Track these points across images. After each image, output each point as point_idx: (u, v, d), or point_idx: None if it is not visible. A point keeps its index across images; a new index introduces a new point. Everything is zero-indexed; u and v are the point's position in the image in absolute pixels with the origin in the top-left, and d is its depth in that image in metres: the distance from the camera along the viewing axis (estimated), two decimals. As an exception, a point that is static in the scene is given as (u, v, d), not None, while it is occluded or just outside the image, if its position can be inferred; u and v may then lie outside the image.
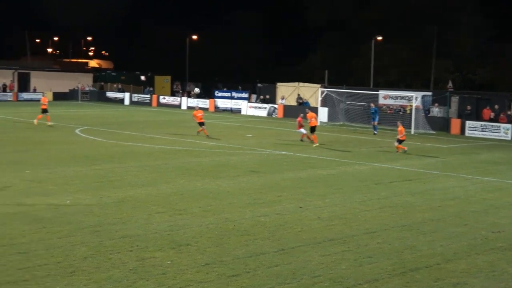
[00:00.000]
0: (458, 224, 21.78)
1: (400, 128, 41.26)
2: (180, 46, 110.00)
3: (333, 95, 65.32)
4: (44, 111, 51.45)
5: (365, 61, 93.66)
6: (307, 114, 45.09)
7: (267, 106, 73.31)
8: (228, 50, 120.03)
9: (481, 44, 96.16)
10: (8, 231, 18.61)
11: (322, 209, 23.36)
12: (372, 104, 57.12)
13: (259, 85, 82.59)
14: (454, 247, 18.88)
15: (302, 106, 70.68)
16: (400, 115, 61.14)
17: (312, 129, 44.09)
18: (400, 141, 41.03)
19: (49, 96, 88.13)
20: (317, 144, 42.69)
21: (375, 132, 54.33)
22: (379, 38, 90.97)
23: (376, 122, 54.97)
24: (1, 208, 21.51)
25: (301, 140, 45.00)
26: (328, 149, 42.12)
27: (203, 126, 46.34)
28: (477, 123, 57.76)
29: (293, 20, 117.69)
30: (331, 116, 65.10)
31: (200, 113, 47.23)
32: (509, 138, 54.80)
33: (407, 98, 64.28)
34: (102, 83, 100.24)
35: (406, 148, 40.95)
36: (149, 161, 33.37)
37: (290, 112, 69.99)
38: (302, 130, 45.27)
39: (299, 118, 46.00)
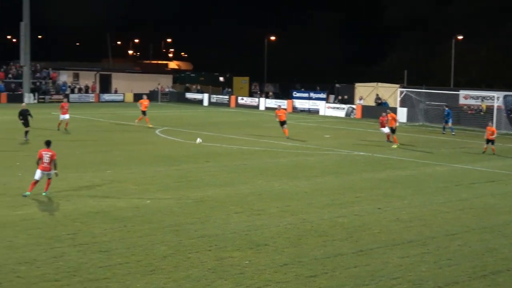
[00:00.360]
0: (542, 227, 21.28)
1: (490, 128, 40.58)
2: (258, 47, 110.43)
3: (412, 95, 64.61)
4: (144, 113, 51.81)
5: (445, 60, 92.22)
6: (389, 115, 44.44)
7: (345, 106, 72.94)
8: (306, 50, 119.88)
9: None
10: (90, 230, 19.02)
11: (401, 210, 23.13)
12: (446, 107, 56.53)
13: (337, 85, 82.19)
14: (538, 250, 18.47)
15: (381, 107, 70.12)
16: (481, 115, 60.04)
17: (393, 131, 43.62)
18: (488, 141, 40.26)
19: (129, 97, 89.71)
20: (397, 145, 42.22)
21: (453, 133, 53.69)
22: (460, 37, 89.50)
23: (449, 124, 54.40)
24: (83, 207, 21.98)
25: (388, 141, 44.39)
26: (407, 149, 41.66)
27: (284, 126, 45.93)
28: None
29: (371, 20, 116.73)
30: (410, 117, 64.42)
31: (281, 112, 46.46)
32: None
33: (487, 98, 63.05)
34: (187, 85, 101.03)
35: (494, 152, 40.08)
36: (227, 161, 33.60)
37: (368, 112, 69.50)
38: (385, 129, 44.91)
39: (381, 118, 45.71)
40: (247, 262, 16.38)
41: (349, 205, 23.69)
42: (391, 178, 30.14)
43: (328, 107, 74.71)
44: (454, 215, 22.56)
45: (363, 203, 24.17)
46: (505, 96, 62.51)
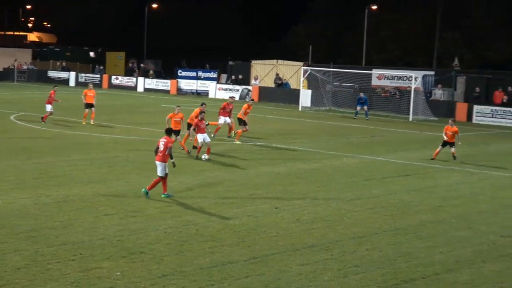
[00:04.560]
0: (462, 227, 21.99)
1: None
2: (137, 17, 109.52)
3: (318, 75, 65.44)
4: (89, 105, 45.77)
5: (358, 35, 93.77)
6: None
7: (240, 88, 73.25)
8: (194, 22, 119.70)
9: (497, 14, 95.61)
10: None
11: (302, 210, 23.46)
12: (362, 94, 57.95)
13: (230, 63, 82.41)
14: (457, 254, 19.08)
15: (282, 88, 70.86)
16: (397, 98, 61.45)
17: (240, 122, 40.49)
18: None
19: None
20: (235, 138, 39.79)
21: (367, 118, 55.11)
22: (374, 7, 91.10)
23: (365, 108, 55.95)
24: None
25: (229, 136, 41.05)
26: (311, 139, 42.23)
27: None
28: (487, 108, 58.19)
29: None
30: (315, 100, 65.20)
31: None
32: (525, 126, 55.22)
33: (404, 78, 64.64)
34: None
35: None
36: (98, 153, 33.32)
37: (267, 95, 70.09)
38: (221, 119, 40.56)
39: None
40: (118, 273, 16.30)
41: (242, 204, 23.86)
42: (292, 172, 30.52)
43: (220, 89, 74.92)
44: (363, 215, 23.04)
45: (259, 202, 24.38)
46: (424, 76, 64.13)
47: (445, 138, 34.99)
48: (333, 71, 67.41)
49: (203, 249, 18.42)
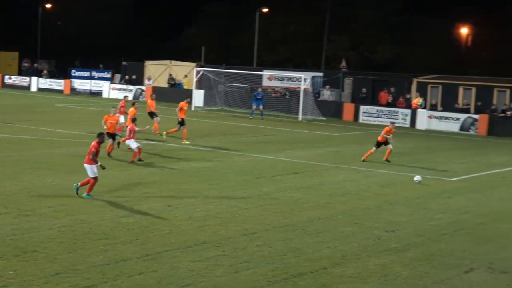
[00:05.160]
0: (348, 223, 22.40)
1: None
2: (31, 16, 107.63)
3: (210, 75, 65.56)
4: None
5: (249, 36, 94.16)
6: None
7: (133, 88, 72.88)
8: (88, 22, 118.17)
9: (383, 18, 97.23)
10: None
11: (195, 207, 23.51)
12: (259, 89, 58.46)
13: (124, 63, 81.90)
14: (343, 249, 19.43)
15: (175, 88, 70.75)
16: (287, 98, 62.08)
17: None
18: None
19: None
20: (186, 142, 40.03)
21: (262, 118, 55.74)
22: (265, 10, 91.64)
23: (261, 107, 56.42)
24: None
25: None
26: (204, 138, 42.31)
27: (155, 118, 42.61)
28: (373, 108, 59.29)
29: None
30: (207, 100, 65.35)
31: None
32: (408, 125, 56.46)
33: (294, 79, 65.33)
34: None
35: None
36: (-10, 153, 32.75)
37: (160, 95, 69.54)
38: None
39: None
40: (11, 272, 16.06)
41: (135, 202, 23.77)
42: (185, 170, 30.56)
43: (113, 89, 74.45)
44: (254, 212, 23.25)
45: (152, 200, 24.34)
46: (313, 77, 64.97)
47: (379, 138, 35.85)
48: (225, 71, 67.63)
49: (97, 247, 18.30)
